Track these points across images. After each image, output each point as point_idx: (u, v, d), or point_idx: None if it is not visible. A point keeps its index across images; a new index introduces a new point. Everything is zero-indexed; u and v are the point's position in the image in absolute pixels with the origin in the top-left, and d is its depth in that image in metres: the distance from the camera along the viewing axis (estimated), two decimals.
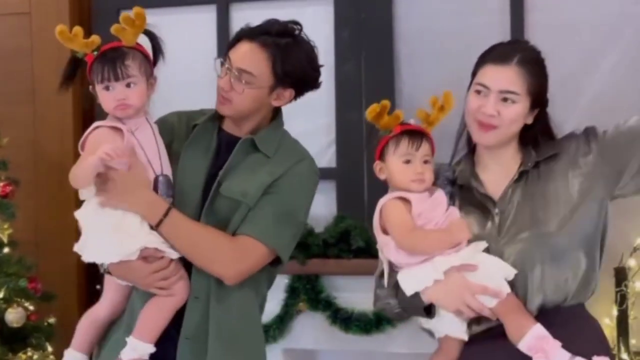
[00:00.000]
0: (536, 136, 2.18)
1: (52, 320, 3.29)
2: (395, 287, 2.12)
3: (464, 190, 2.20)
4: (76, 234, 3.65)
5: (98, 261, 2.11)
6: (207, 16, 3.65)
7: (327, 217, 3.43)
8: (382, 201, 2.13)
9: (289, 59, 2.15)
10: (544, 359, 1.96)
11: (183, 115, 2.32)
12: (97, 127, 2.11)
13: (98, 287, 3.56)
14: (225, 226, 2.15)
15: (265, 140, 2.21)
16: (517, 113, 2.10)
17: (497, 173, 2.17)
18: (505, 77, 2.10)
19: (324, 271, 3.31)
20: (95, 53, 2.10)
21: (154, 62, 2.17)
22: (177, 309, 2.13)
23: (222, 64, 2.18)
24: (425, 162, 2.12)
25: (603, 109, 3.19)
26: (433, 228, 2.08)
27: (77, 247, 2.11)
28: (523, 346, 1.98)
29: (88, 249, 2.08)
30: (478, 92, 2.12)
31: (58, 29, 2.07)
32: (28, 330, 3.17)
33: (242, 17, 3.50)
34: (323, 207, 3.36)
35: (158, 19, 3.48)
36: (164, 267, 2.08)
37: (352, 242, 3.21)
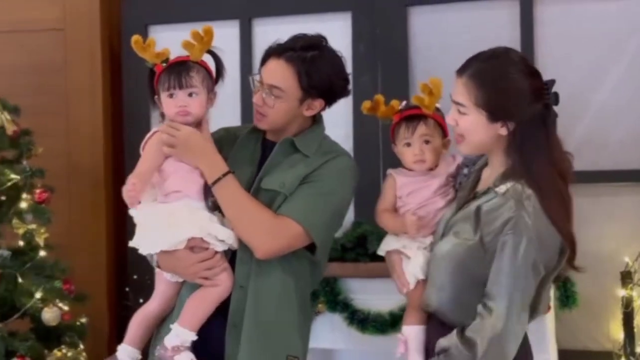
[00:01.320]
0: (517, 149, 2.08)
1: (84, 320, 3.39)
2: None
3: (468, 177, 2.29)
4: (107, 239, 3.85)
5: (152, 251, 2.23)
6: (231, 31, 3.76)
7: (345, 223, 3.42)
8: (388, 171, 2.42)
9: (315, 72, 2.25)
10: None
11: (230, 129, 2.46)
12: (155, 132, 2.27)
13: (127, 289, 3.74)
14: None
15: (304, 140, 2.32)
16: (470, 123, 2.09)
17: (485, 176, 2.21)
18: (456, 88, 2.12)
19: (342, 274, 3.37)
20: (164, 64, 2.27)
21: (216, 80, 2.32)
22: (220, 300, 2.24)
23: (254, 82, 2.32)
24: (426, 142, 2.31)
25: (610, 118, 3.34)
26: (403, 212, 2.34)
27: (132, 242, 2.24)
28: (405, 331, 2.27)
29: (143, 242, 2.22)
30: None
31: (133, 38, 2.26)
32: (62, 329, 3.28)
33: (264, 32, 3.74)
34: None
35: (184, 34, 3.64)
36: (209, 258, 2.21)
37: (368, 247, 3.29)
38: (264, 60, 2.32)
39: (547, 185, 2.04)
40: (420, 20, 3.59)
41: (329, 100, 2.35)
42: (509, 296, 2.00)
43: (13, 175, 3.23)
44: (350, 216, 3.53)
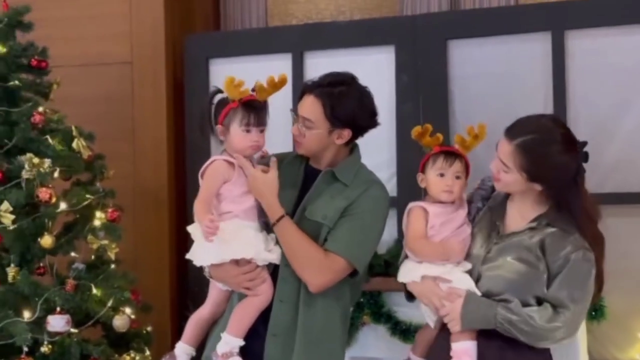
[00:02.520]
0: (554, 202, 2.42)
1: (149, 328, 3.60)
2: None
3: (489, 210, 2.56)
4: (169, 254, 4.05)
5: (204, 263, 2.50)
6: (284, 63, 3.93)
7: (388, 241, 3.70)
8: (410, 205, 2.56)
9: (339, 105, 2.49)
10: None
11: (279, 154, 2.68)
12: (214, 160, 2.52)
13: (188, 300, 3.94)
14: None
15: (343, 171, 2.55)
16: (511, 179, 2.39)
17: (516, 213, 2.49)
18: (503, 149, 2.40)
19: (386, 288, 3.55)
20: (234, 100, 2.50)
21: None
22: (262, 309, 2.50)
23: (293, 115, 2.59)
24: (457, 177, 2.52)
25: (637, 144, 3.48)
26: (437, 240, 2.49)
27: (189, 255, 2.52)
28: (453, 348, 2.43)
29: (197, 254, 2.50)
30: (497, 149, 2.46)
31: (227, 78, 2.49)
32: (130, 336, 3.48)
33: (315, 64, 3.93)
34: (385, 232, 3.38)
35: (240, 67, 3.94)
36: (251, 271, 2.47)
37: None
38: (300, 96, 2.59)
39: (586, 225, 2.38)
40: (458, 53, 3.75)
41: (356, 131, 2.55)
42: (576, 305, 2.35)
43: (88, 196, 3.39)
44: (393, 234, 3.71)
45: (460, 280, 2.46)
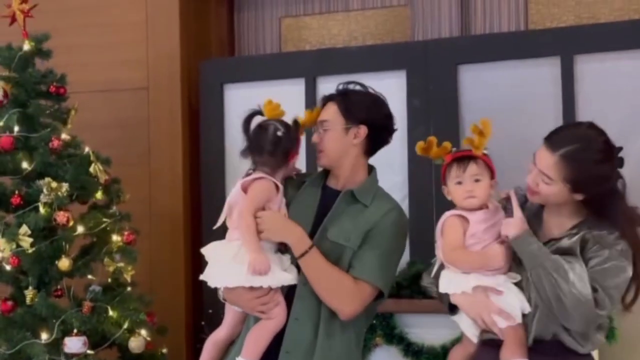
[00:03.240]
0: (594, 210, 2.37)
1: (164, 350, 3.62)
2: (437, 278, 2.51)
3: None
4: (185, 276, 4.09)
5: (220, 285, 2.51)
6: (297, 88, 4.02)
7: (401, 263, 3.62)
8: (447, 214, 2.48)
9: (352, 100, 2.58)
10: None
11: (298, 175, 2.75)
12: (263, 177, 2.51)
13: (203, 323, 3.99)
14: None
15: (362, 192, 2.57)
16: (552, 192, 2.34)
17: (554, 223, 2.45)
18: (545, 160, 2.34)
19: (398, 310, 3.57)
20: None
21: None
22: (276, 332, 2.49)
23: (314, 129, 2.66)
24: (477, 180, 2.44)
25: None
26: (479, 249, 2.40)
27: (203, 276, 2.52)
28: None
29: (212, 276, 2.50)
30: (533, 162, 2.40)
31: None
32: (145, 358, 3.49)
33: (328, 89, 3.74)
34: None
35: (254, 92, 3.98)
36: (264, 295, 2.47)
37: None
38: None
39: (627, 230, 2.34)
40: (469, 77, 3.79)
41: (373, 131, 2.57)
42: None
43: (104, 219, 3.45)
44: (406, 255, 3.67)
45: (512, 292, 2.38)
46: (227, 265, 2.46)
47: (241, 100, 4.07)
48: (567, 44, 3.65)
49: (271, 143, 2.52)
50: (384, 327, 3.62)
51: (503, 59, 3.75)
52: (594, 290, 2.29)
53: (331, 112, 2.59)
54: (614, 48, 3.58)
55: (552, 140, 2.36)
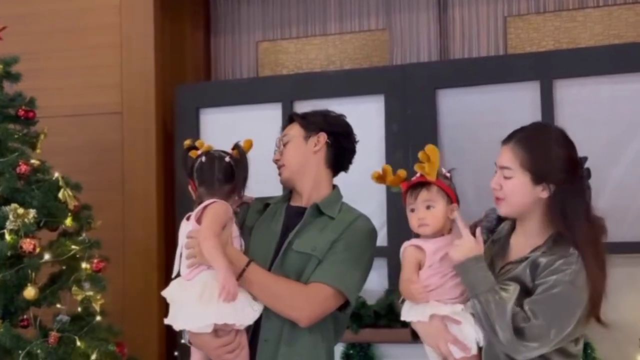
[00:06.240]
0: (557, 216, 2.28)
1: None
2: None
3: (492, 244, 2.45)
4: (158, 305, 4.01)
5: (186, 328, 2.42)
6: (273, 113, 3.97)
7: (379, 291, 3.67)
8: (405, 244, 2.43)
9: (310, 114, 2.67)
10: None
11: (261, 198, 2.73)
12: (214, 202, 2.45)
13: (176, 353, 3.92)
14: (297, 278, 2.48)
15: (327, 205, 2.58)
16: (514, 185, 2.29)
17: (522, 242, 2.38)
18: (502, 155, 2.33)
19: (375, 339, 3.53)
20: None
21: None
22: None
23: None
24: (428, 207, 2.38)
25: (627, 193, 3.47)
26: (437, 280, 2.33)
27: (167, 320, 2.44)
28: None
29: (176, 319, 2.41)
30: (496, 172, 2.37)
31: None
32: None
33: None
34: (375, 282, 3.54)
35: (230, 116, 3.93)
36: (230, 342, 2.40)
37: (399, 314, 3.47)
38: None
39: (590, 249, 2.27)
40: (448, 102, 3.78)
41: (331, 135, 2.60)
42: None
43: (73, 247, 3.35)
44: (384, 284, 3.71)
45: (469, 322, 2.32)
46: (192, 307, 2.37)
47: (217, 125, 4.05)
48: (547, 68, 3.64)
49: (223, 173, 2.51)
50: (361, 358, 3.58)
51: (482, 84, 3.75)
52: (527, 320, 2.21)
53: (291, 127, 2.67)
54: (594, 73, 3.58)
55: (507, 137, 2.39)
